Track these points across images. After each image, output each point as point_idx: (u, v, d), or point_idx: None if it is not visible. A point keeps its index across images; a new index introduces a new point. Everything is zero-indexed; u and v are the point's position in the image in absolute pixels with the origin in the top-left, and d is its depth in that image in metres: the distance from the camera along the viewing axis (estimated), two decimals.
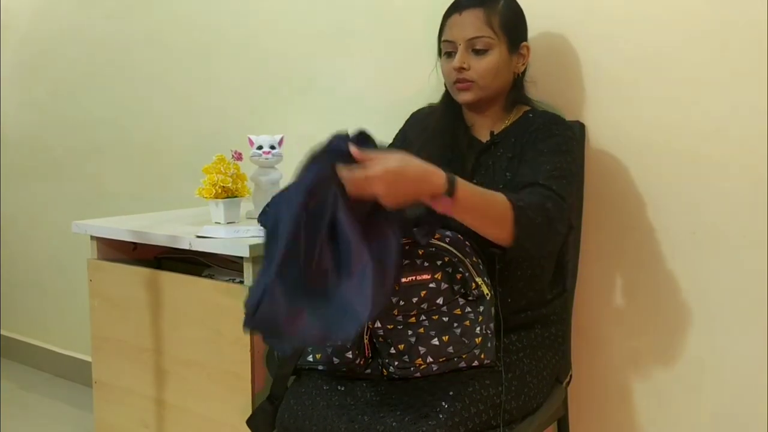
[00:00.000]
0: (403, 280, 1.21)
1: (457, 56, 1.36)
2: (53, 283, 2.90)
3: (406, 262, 1.22)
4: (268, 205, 1.23)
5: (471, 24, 1.36)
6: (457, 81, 1.38)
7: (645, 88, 1.50)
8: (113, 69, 2.55)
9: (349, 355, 1.28)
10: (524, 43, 1.42)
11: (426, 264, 1.23)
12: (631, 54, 1.50)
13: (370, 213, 1.11)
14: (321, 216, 1.10)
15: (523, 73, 1.45)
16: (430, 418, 1.15)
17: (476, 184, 1.39)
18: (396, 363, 1.26)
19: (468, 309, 1.20)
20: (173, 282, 1.66)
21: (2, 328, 3.15)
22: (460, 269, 1.23)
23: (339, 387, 1.29)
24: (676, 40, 1.45)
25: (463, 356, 1.20)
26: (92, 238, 1.81)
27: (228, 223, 1.74)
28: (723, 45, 1.41)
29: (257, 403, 1.39)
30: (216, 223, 1.75)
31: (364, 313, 1.06)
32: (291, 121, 2.07)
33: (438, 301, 1.23)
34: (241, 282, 1.54)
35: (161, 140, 2.43)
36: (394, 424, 1.17)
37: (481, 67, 1.36)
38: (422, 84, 1.62)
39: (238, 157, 1.79)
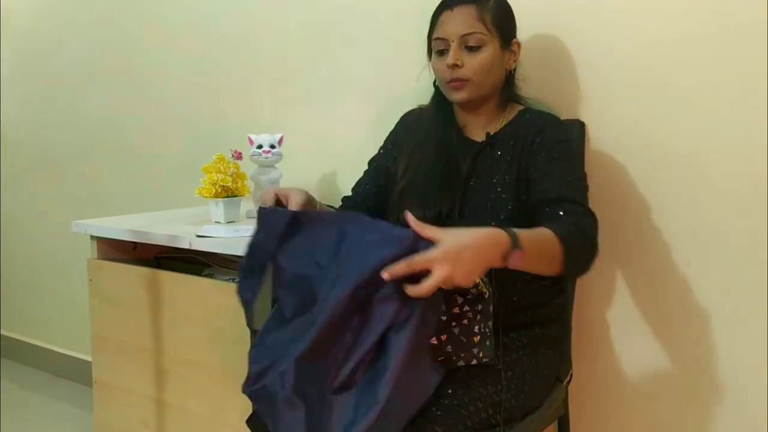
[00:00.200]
0: None
1: (451, 53, 1.35)
2: (53, 283, 2.90)
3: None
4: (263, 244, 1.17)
5: (464, 20, 1.35)
6: (451, 80, 1.37)
7: (645, 87, 1.49)
8: (113, 69, 2.55)
9: None
10: (515, 39, 1.42)
11: None
12: (630, 52, 1.50)
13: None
14: (368, 322, 1.03)
15: (515, 70, 1.45)
16: (430, 417, 1.15)
17: (474, 186, 1.39)
18: None
19: (466, 308, 1.19)
20: (173, 281, 1.66)
21: (2, 328, 3.15)
22: None
23: None
24: (676, 38, 1.45)
25: (462, 355, 1.19)
26: (92, 237, 1.81)
27: (228, 222, 1.74)
28: (723, 43, 1.41)
29: None
30: (216, 222, 1.75)
31: None
32: (290, 121, 2.07)
33: None
34: None
35: (161, 140, 2.43)
36: None
37: (474, 63, 1.35)
38: (422, 84, 1.62)
39: (238, 156, 1.79)
